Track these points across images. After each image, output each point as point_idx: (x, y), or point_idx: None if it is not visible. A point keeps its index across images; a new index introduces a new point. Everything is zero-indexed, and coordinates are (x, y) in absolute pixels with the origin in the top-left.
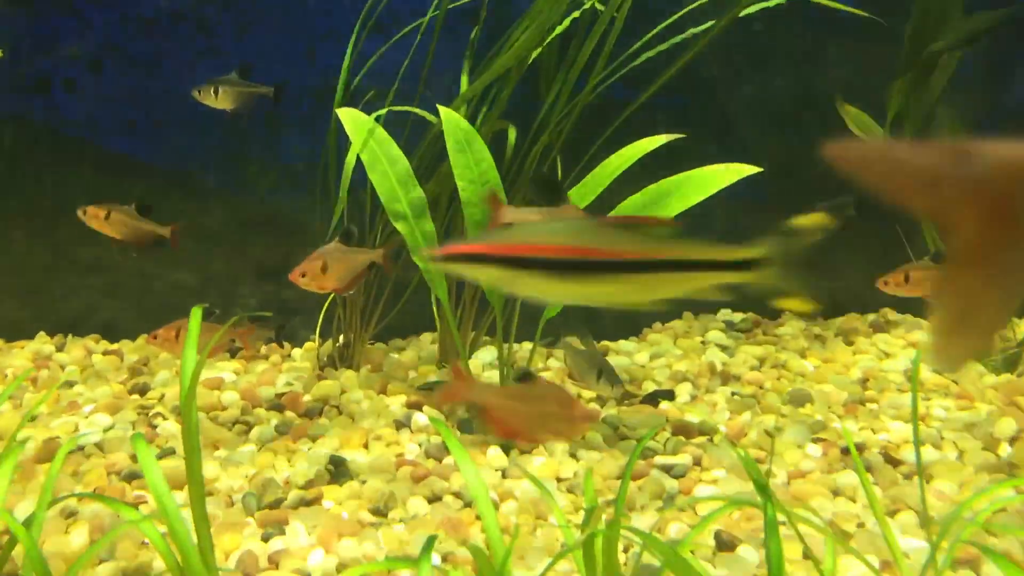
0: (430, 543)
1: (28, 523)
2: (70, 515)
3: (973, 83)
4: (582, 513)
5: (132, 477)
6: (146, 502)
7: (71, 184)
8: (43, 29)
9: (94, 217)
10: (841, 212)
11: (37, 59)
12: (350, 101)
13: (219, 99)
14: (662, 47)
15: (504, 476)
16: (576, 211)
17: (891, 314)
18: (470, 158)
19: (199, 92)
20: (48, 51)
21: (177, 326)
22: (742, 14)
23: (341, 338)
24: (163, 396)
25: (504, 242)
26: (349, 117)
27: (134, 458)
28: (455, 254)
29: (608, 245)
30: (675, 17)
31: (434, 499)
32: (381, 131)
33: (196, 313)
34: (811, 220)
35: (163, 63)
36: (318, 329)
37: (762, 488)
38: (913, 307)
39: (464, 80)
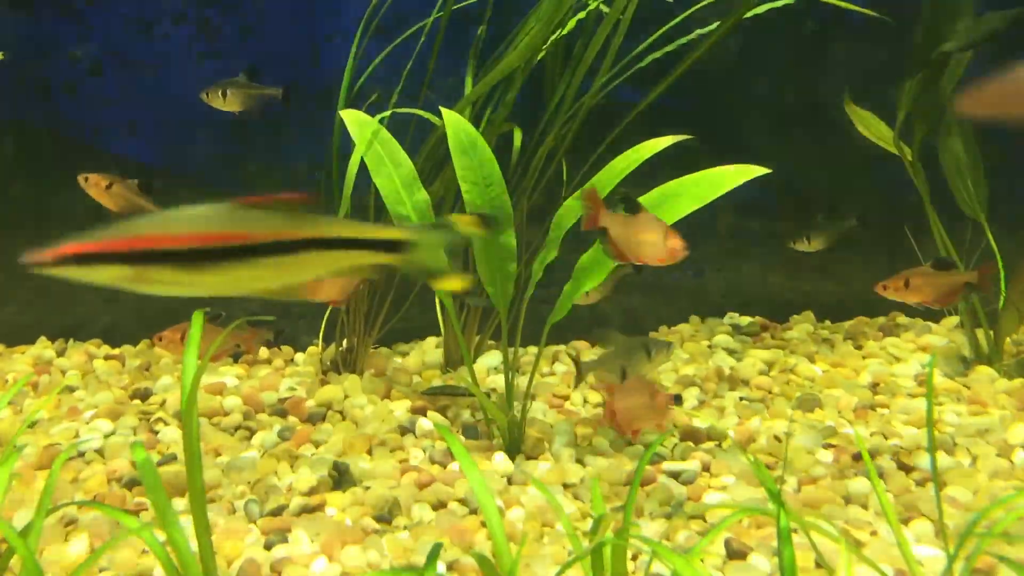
0: (436, 551)
1: (26, 532)
2: (69, 523)
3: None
4: (589, 520)
5: (133, 484)
6: (147, 509)
7: (73, 187)
8: (44, 33)
9: (95, 185)
10: (843, 224)
11: (38, 63)
12: (354, 103)
13: (227, 101)
14: (668, 48)
15: (510, 482)
16: (655, 219)
17: (900, 318)
18: (474, 160)
19: (207, 94)
20: (49, 55)
21: (182, 328)
22: (750, 14)
23: (344, 342)
24: (165, 401)
25: (123, 236)
26: (353, 119)
27: (135, 464)
28: (66, 256)
29: (244, 228)
30: (680, 18)
31: (439, 506)
32: (385, 133)
33: (197, 318)
34: (464, 220)
35: (165, 65)
36: (321, 333)
37: (775, 496)
38: (922, 310)
39: (468, 81)
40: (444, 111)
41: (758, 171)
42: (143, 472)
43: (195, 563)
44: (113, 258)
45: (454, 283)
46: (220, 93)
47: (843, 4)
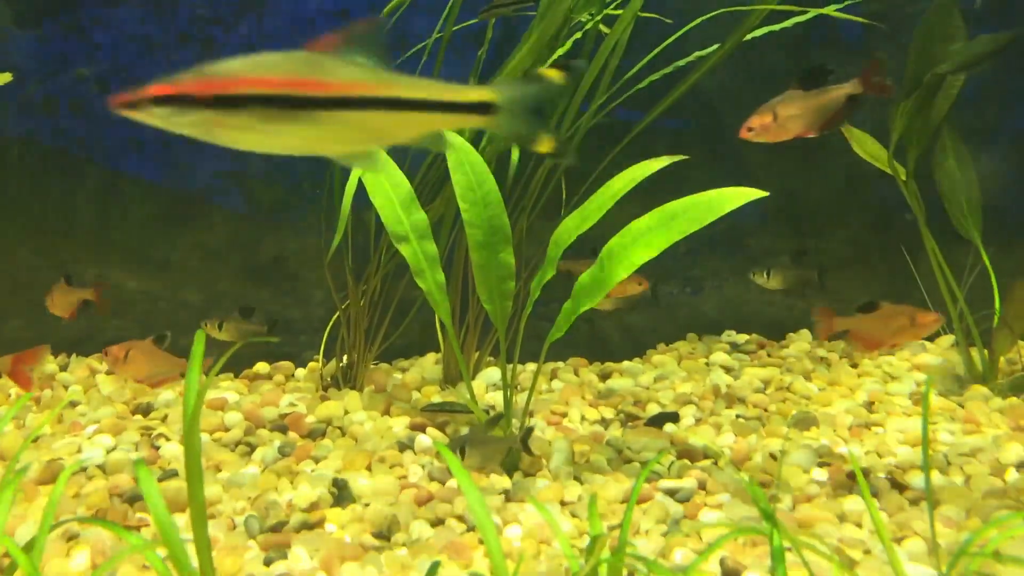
0: (434, 569)
1: (29, 547)
2: (71, 538)
3: (977, 106)
4: (587, 537)
5: (134, 499)
6: (148, 525)
7: (78, 203)
8: (51, 51)
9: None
10: (806, 274)
11: (45, 80)
12: None
13: None
14: (667, 70)
15: (508, 499)
16: (895, 308)
17: None
18: (472, 179)
19: None
20: (56, 72)
21: (127, 347)
22: (748, 37)
23: (345, 358)
24: (166, 416)
25: (209, 79)
26: None
27: (137, 480)
28: (150, 98)
29: (330, 78)
30: (677, 35)
31: (437, 523)
32: (383, 154)
33: (200, 337)
34: (551, 73)
35: None
36: (322, 349)
37: (768, 516)
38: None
39: None
40: (444, 131)
41: (756, 194)
42: (145, 490)
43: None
44: (196, 101)
45: (545, 145)
46: None
47: (840, 15)
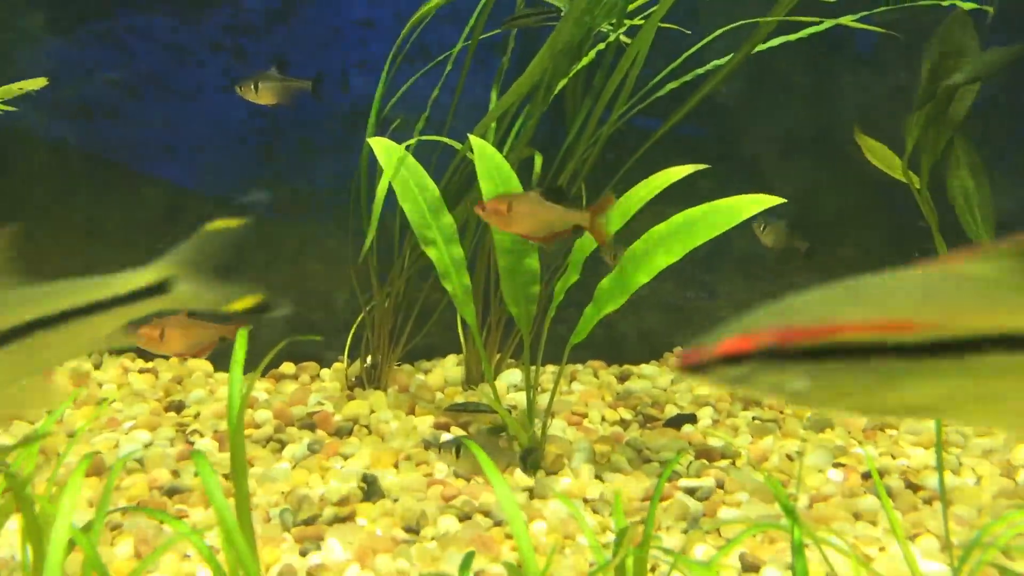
0: (469, 559)
1: (87, 529)
2: (115, 528)
3: (991, 116)
4: (608, 533)
5: (173, 492)
6: (187, 516)
7: (106, 207)
8: (85, 57)
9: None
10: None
11: (79, 86)
12: (381, 129)
13: (260, 94)
14: (686, 78)
15: (531, 497)
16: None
17: None
18: (500, 186)
19: (240, 88)
20: (90, 79)
21: (162, 325)
22: (759, 48)
23: (369, 359)
24: (199, 414)
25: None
26: (381, 146)
27: (175, 473)
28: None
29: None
30: (696, 48)
31: (464, 518)
32: (412, 160)
33: (242, 335)
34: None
35: (200, 91)
36: (347, 350)
37: (789, 511)
38: None
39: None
40: (472, 138)
41: (773, 201)
42: (204, 476)
43: (252, 561)
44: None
45: (244, 302)
46: (252, 86)
47: (856, 25)
